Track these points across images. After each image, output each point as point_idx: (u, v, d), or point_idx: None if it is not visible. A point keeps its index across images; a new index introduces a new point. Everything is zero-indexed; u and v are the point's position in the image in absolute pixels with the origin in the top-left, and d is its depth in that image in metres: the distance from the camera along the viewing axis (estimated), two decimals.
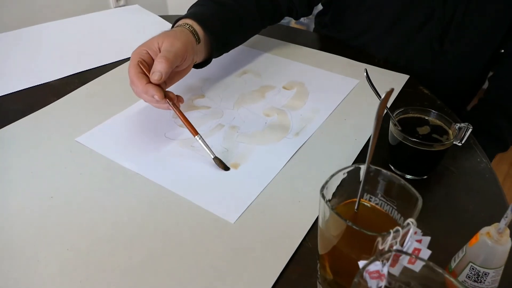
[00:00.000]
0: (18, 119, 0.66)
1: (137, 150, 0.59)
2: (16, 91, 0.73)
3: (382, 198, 0.36)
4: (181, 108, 0.65)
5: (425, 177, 0.55)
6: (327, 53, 0.85)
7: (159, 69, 0.55)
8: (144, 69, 0.57)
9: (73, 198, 0.52)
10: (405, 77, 0.77)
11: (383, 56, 0.84)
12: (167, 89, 0.61)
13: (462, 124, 0.51)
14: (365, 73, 0.52)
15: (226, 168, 0.55)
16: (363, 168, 0.36)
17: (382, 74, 0.78)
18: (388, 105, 0.68)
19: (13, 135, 0.62)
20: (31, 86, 0.74)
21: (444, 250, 0.41)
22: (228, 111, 0.67)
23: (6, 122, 0.65)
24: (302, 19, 1.92)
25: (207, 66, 0.74)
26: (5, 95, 0.72)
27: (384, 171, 0.36)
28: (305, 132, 0.62)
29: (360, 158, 0.58)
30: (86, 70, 0.78)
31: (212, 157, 0.56)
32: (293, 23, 1.93)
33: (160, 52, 0.59)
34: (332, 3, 0.94)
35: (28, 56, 0.84)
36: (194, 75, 0.76)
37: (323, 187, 0.34)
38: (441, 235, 0.47)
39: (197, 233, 0.48)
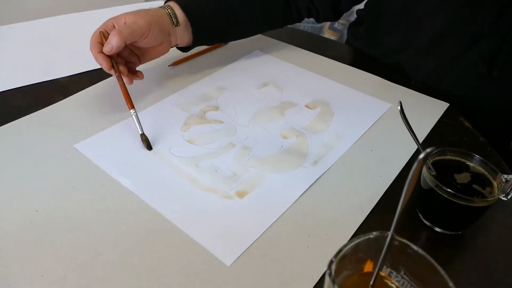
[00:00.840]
0: (19, 117, 0.61)
1: (137, 165, 0.54)
2: (22, 86, 0.69)
3: (405, 277, 0.29)
4: (194, 119, 0.62)
5: (459, 232, 0.47)
6: (358, 70, 0.77)
7: (111, 41, 0.57)
8: (103, 40, 0.59)
9: (58, 215, 0.47)
10: (444, 105, 0.68)
11: (421, 78, 0.76)
12: (139, 66, 0.65)
13: (511, 176, 0.43)
14: (399, 107, 0.44)
15: (149, 147, 0.56)
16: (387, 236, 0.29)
17: (418, 99, 0.70)
18: (421, 139, 0.60)
19: (10, 134, 0.58)
20: (38, 82, 0.70)
21: None
22: (242, 128, 0.61)
23: (7, 120, 0.61)
24: (336, 25, 1.84)
25: (226, 74, 0.72)
26: (10, 89, 0.68)
27: (414, 247, 0.29)
28: (324, 161, 0.55)
29: (384, 200, 0.51)
30: (98, 69, 0.73)
31: (140, 133, 0.56)
32: (326, 28, 1.85)
33: None
34: (367, 13, 0.86)
35: (39, 50, 0.80)
36: (210, 83, 0.71)
37: (331, 262, 0.27)
38: None
39: (187, 273, 0.42)
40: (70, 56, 0.78)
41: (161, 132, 0.59)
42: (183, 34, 0.67)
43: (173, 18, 0.64)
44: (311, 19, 0.81)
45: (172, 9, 0.65)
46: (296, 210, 0.49)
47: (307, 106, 0.66)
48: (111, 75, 0.71)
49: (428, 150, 0.25)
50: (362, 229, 0.47)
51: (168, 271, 0.42)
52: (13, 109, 0.63)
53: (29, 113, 0.62)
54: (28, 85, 0.69)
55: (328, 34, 1.91)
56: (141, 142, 0.56)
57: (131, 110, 0.58)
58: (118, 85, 0.60)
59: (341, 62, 0.79)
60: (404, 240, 0.29)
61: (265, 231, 0.46)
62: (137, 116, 0.58)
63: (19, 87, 0.69)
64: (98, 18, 0.91)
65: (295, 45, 0.84)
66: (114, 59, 0.59)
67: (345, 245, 0.28)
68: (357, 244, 0.29)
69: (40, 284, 0.40)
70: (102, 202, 0.49)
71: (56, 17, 0.91)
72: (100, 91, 0.68)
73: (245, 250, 0.44)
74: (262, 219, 0.47)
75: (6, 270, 0.41)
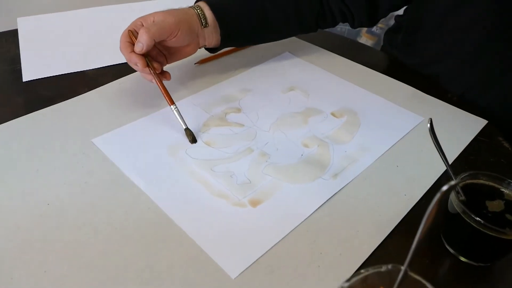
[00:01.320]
0: (44, 107, 0.62)
1: (151, 164, 0.53)
2: (50, 76, 0.70)
3: None
4: (214, 121, 0.61)
5: (487, 264, 0.43)
6: (392, 79, 0.73)
7: (140, 40, 0.57)
8: (133, 39, 0.59)
9: (68, 210, 0.46)
10: (482, 122, 0.64)
11: (459, 92, 0.71)
12: (166, 66, 0.64)
13: None
14: (428, 124, 0.41)
15: (193, 141, 0.56)
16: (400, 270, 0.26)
17: (453, 114, 0.65)
18: (454, 157, 0.56)
19: (33, 125, 0.59)
20: (66, 72, 0.70)
21: None
22: (262, 133, 0.59)
23: (33, 109, 0.62)
24: (374, 29, 1.78)
25: (253, 75, 0.71)
26: (40, 79, 0.69)
27: (430, 287, 0.26)
28: (345, 174, 0.53)
29: (406, 222, 0.47)
30: (125, 63, 0.73)
31: (184, 127, 0.56)
32: (364, 32, 1.79)
33: None
34: (406, 20, 0.82)
35: (69, 41, 0.80)
36: (235, 84, 0.69)
37: None
38: None
39: (190, 281, 0.40)
40: (99, 48, 0.78)
41: (179, 132, 0.58)
42: (212, 35, 0.66)
43: (202, 19, 0.63)
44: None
45: (201, 10, 0.63)
46: (310, 224, 0.46)
47: (333, 114, 0.63)
48: (135, 70, 0.71)
49: (453, 182, 0.22)
50: (379, 251, 0.44)
51: (171, 278, 0.40)
52: (40, 99, 0.64)
53: (54, 104, 0.63)
54: (57, 75, 0.70)
55: (365, 37, 1.85)
56: (177, 136, 0.56)
57: (172, 106, 0.58)
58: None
59: (374, 69, 0.76)
60: (419, 278, 0.26)
61: (275, 244, 0.44)
62: (179, 111, 0.58)
63: (48, 77, 0.69)
64: (128, 11, 0.92)
65: (327, 49, 0.81)
66: (147, 57, 0.59)
67: (353, 276, 0.26)
68: (366, 276, 0.26)
69: (42, 280, 0.40)
70: (112, 200, 0.48)
71: (88, 9, 0.92)
72: (124, 85, 0.68)
73: (252, 264, 0.42)
74: (273, 231, 0.45)
75: (11, 263, 0.41)
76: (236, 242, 0.44)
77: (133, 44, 0.58)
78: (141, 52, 0.57)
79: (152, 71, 0.59)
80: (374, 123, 0.62)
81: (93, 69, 0.72)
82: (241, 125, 0.60)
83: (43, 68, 0.71)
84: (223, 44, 0.68)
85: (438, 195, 0.22)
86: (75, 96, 0.65)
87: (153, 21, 0.59)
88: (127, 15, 0.89)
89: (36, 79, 0.69)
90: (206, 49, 0.70)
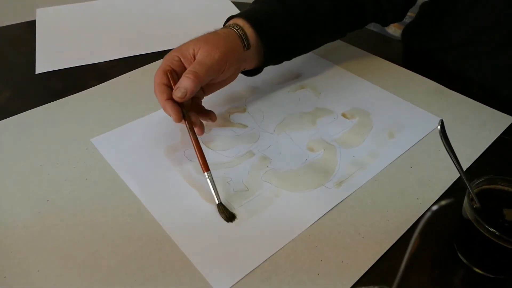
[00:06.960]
0: (54, 100, 0.62)
1: (147, 166, 0.51)
2: (63, 68, 0.70)
3: None
4: (216, 121, 0.56)
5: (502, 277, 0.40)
6: (413, 73, 0.68)
7: (184, 85, 0.47)
8: (171, 80, 0.49)
9: (66, 207, 0.46)
10: (509, 119, 0.59)
11: (484, 79, 0.66)
12: (204, 97, 0.56)
13: None
14: (439, 127, 0.38)
15: (229, 219, 0.44)
16: None
17: (476, 110, 0.60)
18: (474, 158, 0.52)
19: (39, 119, 0.59)
20: (79, 65, 0.70)
21: None
22: (266, 136, 0.56)
23: (43, 102, 0.62)
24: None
25: (263, 71, 0.64)
26: (52, 71, 0.69)
27: None
28: (351, 182, 0.49)
29: (416, 228, 0.44)
30: (136, 56, 0.73)
31: (217, 202, 0.46)
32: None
33: (194, 60, 0.50)
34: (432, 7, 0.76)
35: (84, 33, 0.80)
36: (241, 82, 0.66)
37: None
38: None
39: None
40: (112, 40, 0.77)
41: (180, 133, 0.56)
42: (253, 57, 0.57)
43: (244, 41, 0.53)
44: None
45: (242, 30, 0.53)
46: (312, 228, 0.44)
47: (343, 115, 0.59)
48: (148, 62, 0.70)
49: None
50: (385, 259, 0.41)
51: None
52: (51, 92, 0.64)
53: (63, 97, 0.63)
54: (70, 67, 0.70)
55: (394, 27, 1.78)
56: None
57: (206, 173, 0.47)
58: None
59: (395, 63, 0.71)
60: None
61: (269, 257, 0.41)
62: (213, 181, 0.46)
63: (61, 69, 0.69)
64: (142, 2, 0.90)
65: (346, 42, 0.77)
66: (183, 106, 0.49)
67: None
68: None
69: (34, 279, 0.39)
70: (110, 199, 0.47)
71: (100, 0, 0.91)
72: (133, 78, 0.67)
73: (243, 278, 0.39)
74: (266, 245, 0.42)
75: (6, 261, 0.41)
76: (227, 254, 0.41)
77: (171, 88, 0.49)
78: (181, 101, 0.48)
79: (187, 126, 0.49)
80: (388, 125, 0.57)
81: (105, 61, 0.72)
82: (244, 126, 0.57)
83: (57, 60, 0.71)
84: (266, 62, 0.60)
85: None
86: (85, 90, 0.64)
87: (193, 55, 0.50)
88: (140, 7, 0.88)
89: (50, 71, 0.69)
90: (243, 73, 0.60)
